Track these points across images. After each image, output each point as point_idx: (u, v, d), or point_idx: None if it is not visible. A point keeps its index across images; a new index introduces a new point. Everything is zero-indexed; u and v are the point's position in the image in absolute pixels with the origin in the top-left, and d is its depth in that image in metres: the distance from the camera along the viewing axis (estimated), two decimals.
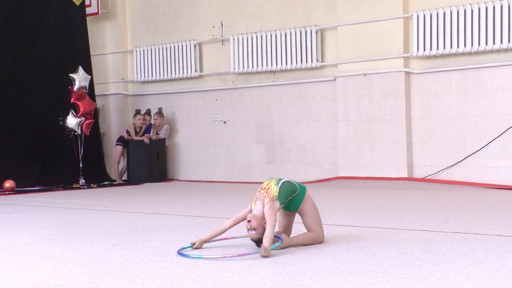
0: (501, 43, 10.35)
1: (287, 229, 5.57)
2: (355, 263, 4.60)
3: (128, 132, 13.99)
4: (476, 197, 9.25)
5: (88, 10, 14.51)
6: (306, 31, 12.32)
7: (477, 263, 4.48)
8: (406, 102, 11.34)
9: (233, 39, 13.17)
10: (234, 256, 4.91)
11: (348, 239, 5.68)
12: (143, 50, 14.48)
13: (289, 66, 12.55)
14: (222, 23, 13.58)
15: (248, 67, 13.03)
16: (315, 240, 5.45)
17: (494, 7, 10.40)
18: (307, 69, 12.50)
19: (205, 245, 5.39)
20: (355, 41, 11.77)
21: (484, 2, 10.49)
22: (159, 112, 14.11)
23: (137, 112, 14.06)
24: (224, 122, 13.60)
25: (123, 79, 14.96)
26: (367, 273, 4.28)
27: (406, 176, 11.24)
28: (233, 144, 13.49)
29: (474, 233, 5.85)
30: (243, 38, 13.06)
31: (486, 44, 10.49)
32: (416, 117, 11.34)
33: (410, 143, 11.33)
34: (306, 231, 5.52)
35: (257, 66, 12.92)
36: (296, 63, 12.46)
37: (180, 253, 5.12)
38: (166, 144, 14.27)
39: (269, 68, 12.79)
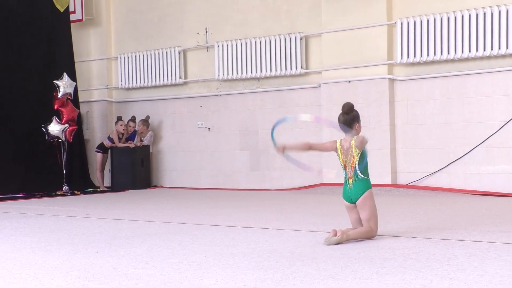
0: (484, 50, 10.42)
1: (357, 222, 6.09)
2: (339, 269, 4.61)
3: (110, 139, 13.95)
4: (459, 203, 9.29)
5: (72, 17, 14.48)
6: (290, 38, 12.34)
7: (459, 269, 4.50)
8: (390, 109, 11.38)
9: (218, 46, 13.18)
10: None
11: (332, 246, 5.68)
12: (128, 57, 14.46)
13: (273, 73, 12.57)
14: (206, 30, 13.59)
15: (232, 74, 13.04)
16: (368, 234, 5.95)
17: (477, 15, 10.46)
18: (291, 76, 12.52)
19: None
20: (340, 48, 11.81)
21: (468, 10, 10.56)
22: (145, 120, 14.09)
23: (119, 118, 14.03)
24: (209, 128, 13.59)
25: (107, 85, 14.93)
26: (351, 279, 4.28)
27: (390, 182, 11.27)
28: (217, 151, 13.48)
29: (457, 240, 5.87)
30: (227, 45, 13.07)
31: (470, 51, 10.55)
32: (400, 124, 11.38)
33: (394, 150, 11.37)
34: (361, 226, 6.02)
35: (242, 73, 12.93)
36: (281, 70, 12.48)
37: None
38: (151, 150, 14.24)
39: (253, 75, 12.80)
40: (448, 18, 10.72)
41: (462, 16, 10.59)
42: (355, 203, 6.07)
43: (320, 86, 12.09)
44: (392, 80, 11.41)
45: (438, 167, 10.97)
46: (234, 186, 13.17)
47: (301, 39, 12.29)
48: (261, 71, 12.71)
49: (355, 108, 6.17)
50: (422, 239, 5.98)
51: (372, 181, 11.40)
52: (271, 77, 12.76)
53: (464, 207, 8.74)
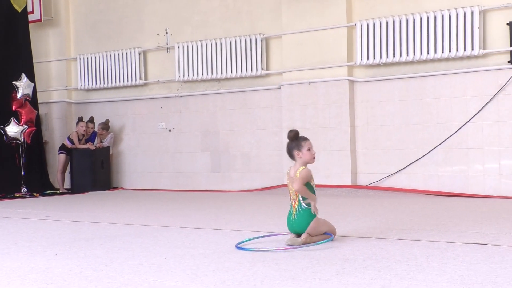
0: (443, 52, 10.53)
1: None
2: (299, 270, 4.62)
3: (70, 140, 13.82)
4: (418, 204, 9.37)
5: (30, 17, 14.30)
6: (251, 39, 12.36)
7: (418, 269, 4.54)
8: (350, 110, 11.45)
9: (178, 47, 13.14)
10: (287, 249, 5.50)
11: (292, 246, 5.69)
12: (87, 58, 14.35)
13: (234, 74, 12.57)
14: (167, 31, 13.54)
15: (193, 75, 13.01)
16: (331, 230, 5.96)
17: (435, 17, 10.58)
18: (252, 77, 12.53)
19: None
20: (300, 49, 11.84)
21: (426, 12, 10.67)
22: (105, 124, 13.99)
23: (80, 119, 13.91)
24: (169, 130, 13.54)
25: (66, 86, 14.79)
26: (311, 280, 4.30)
27: (350, 183, 11.34)
28: (178, 152, 13.44)
29: (416, 240, 5.93)
30: (188, 46, 13.03)
31: (428, 53, 10.66)
32: (360, 125, 11.45)
33: (354, 151, 11.44)
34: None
35: (202, 74, 12.91)
36: (241, 71, 12.48)
37: (238, 247, 5.59)
38: (111, 152, 14.14)
39: (214, 76, 12.79)
40: (407, 21, 10.82)
41: (421, 19, 10.69)
42: (300, 234, 5.83)
43: (280, 88, 12.12)
44: (352, 82, 11.48)
45: (397, 168, 11.07)
46: (194, 187, 13.14)
47: (261, 41, 12.31)
48: (221, 72, 12.70)
49: (300, 135, 6.10)
50: (382, 239, 6.02)
51: (333, 182, 11.51)
52: (231, 78, 12.76)
53: (423, 208, 8.83)
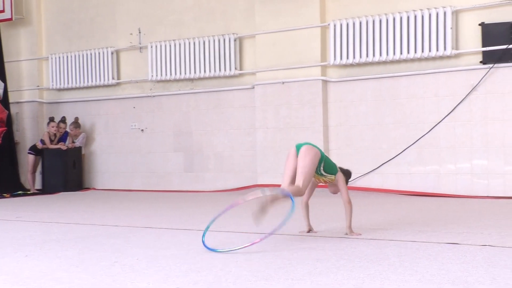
0: (415, 52, 10.59)
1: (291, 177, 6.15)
2: (271, 271, 4.62)
3: (42, 141, 13.73)
4: (391, 203, 9.42)
5: (1, 16, 14.18)
6: (224, 39, 12.34)
7: (391, 269, 4.56)
8: (324, 110, 11.48)
9: (151, 47, 13.09)
10: (255, 242, 5.56)
11: (266, 247, 5.70)
12: (59, 57, 14.25)
13: (207, 74, 12.55)
14: (139, 30, 13.48)
15: (166, 74, 12.97)
16: (295, 193, 5.98)
17: (408, 18, 10.63)
18: (225, 77, 12.52)
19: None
20: (274, 49, 11.85)
21: (399, 13, 10.72)
22: (75, 122, 13.90)
23: (51, 119, 13.82)
24: (142, 130, 13.49)
25: (38, 86, 14.67)
26: (284, 280, 4.30)
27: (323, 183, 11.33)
28: (151, 152, 13.39)
29: (388, 239, 5.95)
30: (161, 46, 12.99)
31: (401, 53, 10.71)
32: (333, 125, 11.48)
33: (327, 151, 11.46)
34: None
35: (176, 74, 12.87)
36: (215, 71, 12.46)
37: (208, 247, 5.53)
38: (83, 152, 14.06)
39: (187, 76, 12.75)
40: (380, 21, 10.86)
41: (394, 19, 10.74)
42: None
43: (254, 88, 12.12)
44: (325, 82, 11.51)
45: (370, 167, 11.11)
46: (167, 187, 13.10)
47: (235, 40, 12.30)
48: (195, 72, 12.67)
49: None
50: (355, 239, 6.04)
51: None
52: (205, 78, 12.73)
53: (396, 207, 8.87)
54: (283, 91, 11.76)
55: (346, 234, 6.26)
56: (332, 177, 6.38)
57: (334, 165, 6.43)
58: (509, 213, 8.06)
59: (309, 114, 11.53)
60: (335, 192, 6.59)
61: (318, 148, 6.28)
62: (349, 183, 11.15)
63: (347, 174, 6.60)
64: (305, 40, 11.59)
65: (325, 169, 6.32)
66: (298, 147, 6.24)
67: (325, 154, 6.57)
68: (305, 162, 6.11)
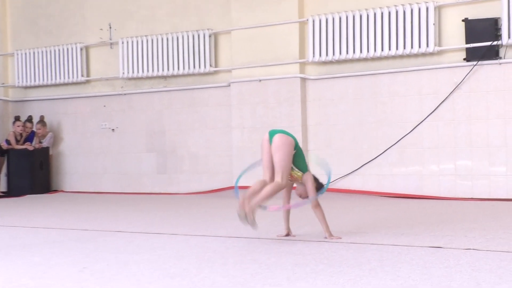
0: (397, 49, 10.63)
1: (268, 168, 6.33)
2: (248, 276, 4.61)
3: (7, 141, 13.63)
4: (372, 206, 9.45)
5: None
6: (199, 35, 12.32)
7: (372, 274, 4.57)
8: (302, 108, 11.49)
9: (122, 43, 13.04)
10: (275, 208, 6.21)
11: (242, 251, 5.70)
12: (26, 53, 14.14)
13: (181, 71, 12.52)
14: (110, 25, 13.42)
15: (138, 72, 12.93)
16: (275, 190, 6.11)
17: (389, 13, 10.67)
18: (200, 74, 12.50)
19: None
20: (250, 45, 11.85)
21: (380, 8, 10.75)
22: (41, 121, 13.82)
23: (16, 118, 13.73)
24: (113, 129, 13.43)
25: (3, 84, 14.56)
26: (261, 286, 4.29)
27: None
28: (122, 153, 13.34)
29: (369, 243, 5.97)
30: (133, 42, 12.94)
31: (382, 50, 10.75)
32: (312, 124, 11.50)
33: (306, 151, 11.48)
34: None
35: (148, 71, 12.83)
36: (189, 68, 12.44)
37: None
38: (50, 153, 13.97)
39: (160, 73, 12.72)
40: (361, 16, 10.89)
41: (375, 14, 10.78)
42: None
43: (230, 85, 12.11)
44: (304, 79, 11.53)
45: (351, 168, 11.13)
46: (139, 190, 13.06)
47: (210, 36, 12.28)
48: (168, 69, 12.64)
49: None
50: (334, 243, 6.05)
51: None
52: (178, 76, 12.70)
53: (377, 210, 8.90)
54: (260, 89, 11.77)
55: (326, 237, 6.28)
56: (300, 173, 6.35)
57: (305, 161, 6.41)
58: (494, 215, 8.12)
59: (287, 113, 11.54)
60: (301, 195, 6.49)
61: (292, 136, 6.31)
62: (329, 185, 11.22)
63: (317, 181, 6.46)
64: (283, 36, 11.60)
65: (294, 162, 6.31)
66: (271, 134, 6.36)
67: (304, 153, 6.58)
68: (280, 156, 6.22)
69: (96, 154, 13.65)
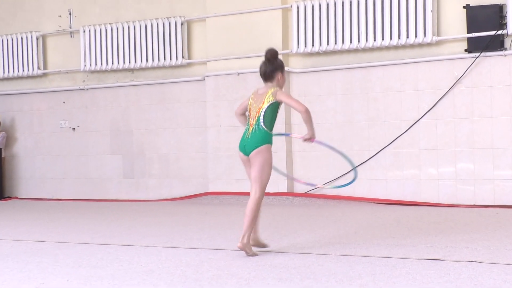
0: (391, 39, 10.65)
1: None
2: None
3: None
4: (363, 214, 9.47)
5: None
6: (170, 23, 12.30)
7: None
8: (286, 105, 11.47)
9: (84, 31, 13.00)
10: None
11: (219, 264, 5.69)
12: None
13: (150, 64, 12.50)
14: (70, 12, 13.38)
15: (102, 64, 12.89)
16: (255, 209, 6.31)
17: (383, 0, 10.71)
18: (171, 67, 12.49)
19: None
20: (227, 35, 11.84)
21: None
22: None
23: None
24: (73, 129, 13.39)
25: None
26: None
27: (286, 191, 11.38)
28: (84, 155, 13.29)
29: (361, 256, 5.98)
30: (95, 30, 12.90)
31: (375, 40, 10.77)
32: (296, 123, 11.51)
33: (290, 153, 11.49)
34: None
35: (113, 63, 12.80)
36: (159, 60, 12.42)
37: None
38: (3, 155, 13.91)
39: (126, 65, 12.68)
40: (351, 2, 10.91)
41: (366, 0, 10.80)
42: (248, 155, 6.35)
43: (205, 79, 12.10)
44: (287, 73, 11.53)
45: (339, 172, 11.15)
46: (103, 196, 13.02)
47: (182, 24, 12.27)
48: (135, 61, 12.61)
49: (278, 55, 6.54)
50: (322, 255, 6.06)
51: (266, 189, 11.49)
52: (147, 69, 12.68)
53: (369, 218, 8.92)
54: (239, 84, 11.77)
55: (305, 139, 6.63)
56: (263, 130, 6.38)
57: (271, 124, 6.44)
58: (498, 224, 8.16)
59: None
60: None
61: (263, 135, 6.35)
62: (314, 190, 11.26)
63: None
64: (264, 24, 11.60)
65: (266, 113, 6.36)
66: (241, 149, 6.43)
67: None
68: (256, 172, 6.37)
69: (54, 156, 13.59)
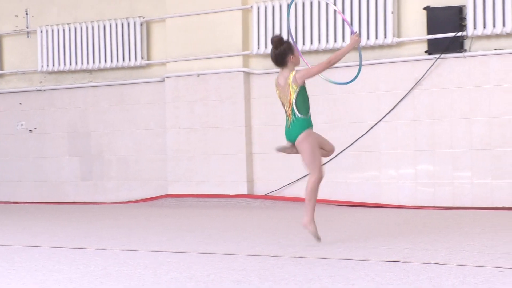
0: (343, 40, 10.66)
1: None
2: None
3: None
4: (324, 216, 9.48)
5: None
6: (129, 23, 12.26)
7: None
8: (246, 107, 11.51)
9: (41, 31, 12.91)
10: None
11: (178, 267, 5.69)
12: None
13: (108, 64, 12.44)
14: (27, 11, 13.28)
15: (59, 65, 12.81)
16: (314, 190, 6.90)
17: (343, 0, 10.71)
18: (130, 67, 12.44)
19: None
20: (187, 36, 11.83)
21: None
22: None
23: None
24: (30, 130, 13.30)
25: None
26: None
27: (246, 193, 11.39)
28: (41, 157, 13.20)
29: (320, 257, 6.01)
30: (53, 30, 12.82)
31: (335, 41, 10.79)
32: (257, 125, 11.53)
33: (250, 155, 11.51)
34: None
35: (71, 63, 12.73)
36: (117, 60, 12.37)
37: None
38: None
39: (84, 66, 12.62)
40: (311, 3, 10.94)
41: (327, 2, 10.82)
42: (294, 143, 6.90)
43: (164, 80, 12.07)
44: (248, 74, 11.55)
45: (300, 174, 11.16)
46: (61, 199, 12.93)
47: (141, 25, 12.23)
48: (94, 62, 12.56)
49: (284, 39, 6.86)
50: (281, 257, 6.08)
51: (226, 191, 11.53)
52: (106, 69, 12.63)
53: (329, 220, 8.95)
54: (199, 85, 11.76)
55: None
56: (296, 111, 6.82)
57: (306, 109, 6.90)
58: (457, 225, 8.23)
59: (229, 111, 11.55)
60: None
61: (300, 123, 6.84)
62: (275, 192, 11.29)
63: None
64: (224, 25, 11.60)
65: (297, 103, 6.83)
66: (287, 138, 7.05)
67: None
68: (306, 159, 6.89)
69: (10, 158, 13.48)
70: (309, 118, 6.93)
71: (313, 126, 7.00)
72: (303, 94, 6.85)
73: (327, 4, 10.72)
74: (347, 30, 10.61)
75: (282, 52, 6.81)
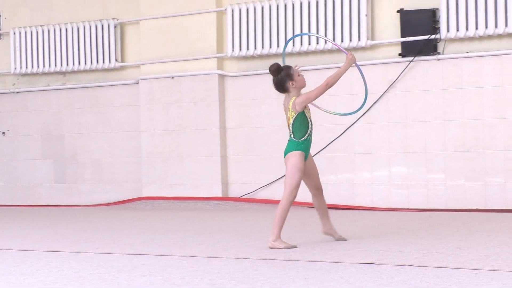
0: (325, 43, 10.71)
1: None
2: None
3: None
4: (298, 218, 9.50)
5: None
6: (103, 25, 12.23)
7: None
8: (221, 109, 11.51)
9: (14, 33, 12.85)
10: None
11: (151, 270, 5.67)
12: None
13: (82, 67, 12.40)
14: (0, 13, 13.21)
15: (32, 67, 12.75)
16: (284, 210, 6.93)
17: (317, 3, 10.74)
18: (104, 70, 12.41)
19: None
20: (161, 38, 11.81)
21: None
22: None
23: None
24: (3, 133, 13.23)
25: None
26: None
27: (220, 195, 11.38)
28: (14, 160, 13.13)
29: (295, 260, 6.01)
30: (26, 32, 12.76)
31: (309, 44, 10.82)
32: (231, 127, 11.53)
33: (225, 157, 11.50)
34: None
35: (44, 66, 12.67)
36: (91, 63, 12.33)
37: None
38: None
39: (58, 68, 12.57)
40: (285, 6, 10.96)
41: (301, 4, 10.85)
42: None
43: (138, 83, 12.05)
44: (222, 76, 11.55)
45: (275, 176, 11.18)
46: (34, 201, 12.87)
47: (115, 27, 12.20)
48: (67, 64, 12.51)
49: (282, 67, 7.02)
50: (256, 260, 6.08)
51: (200, 194, 11.51)
52: (79, 72, 12.59)
53: (304, 223, 8.97)
54: (173, 87, 11.74)
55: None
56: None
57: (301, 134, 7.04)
58: (431, 227, 8.27)
59: (204, 114, 11.54)
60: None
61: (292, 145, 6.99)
62: (249, 194, 11.30)
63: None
64: (199, 27, 11.60)
65: (293, 128, 7.00)
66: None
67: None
68: (286, 177, 7.06)
69: None
70: (303, 142, 7.04)
71: (308, 151, 7.19)
72: (300, 121, 6.99)
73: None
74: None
75: (280, 80, 6.96)
